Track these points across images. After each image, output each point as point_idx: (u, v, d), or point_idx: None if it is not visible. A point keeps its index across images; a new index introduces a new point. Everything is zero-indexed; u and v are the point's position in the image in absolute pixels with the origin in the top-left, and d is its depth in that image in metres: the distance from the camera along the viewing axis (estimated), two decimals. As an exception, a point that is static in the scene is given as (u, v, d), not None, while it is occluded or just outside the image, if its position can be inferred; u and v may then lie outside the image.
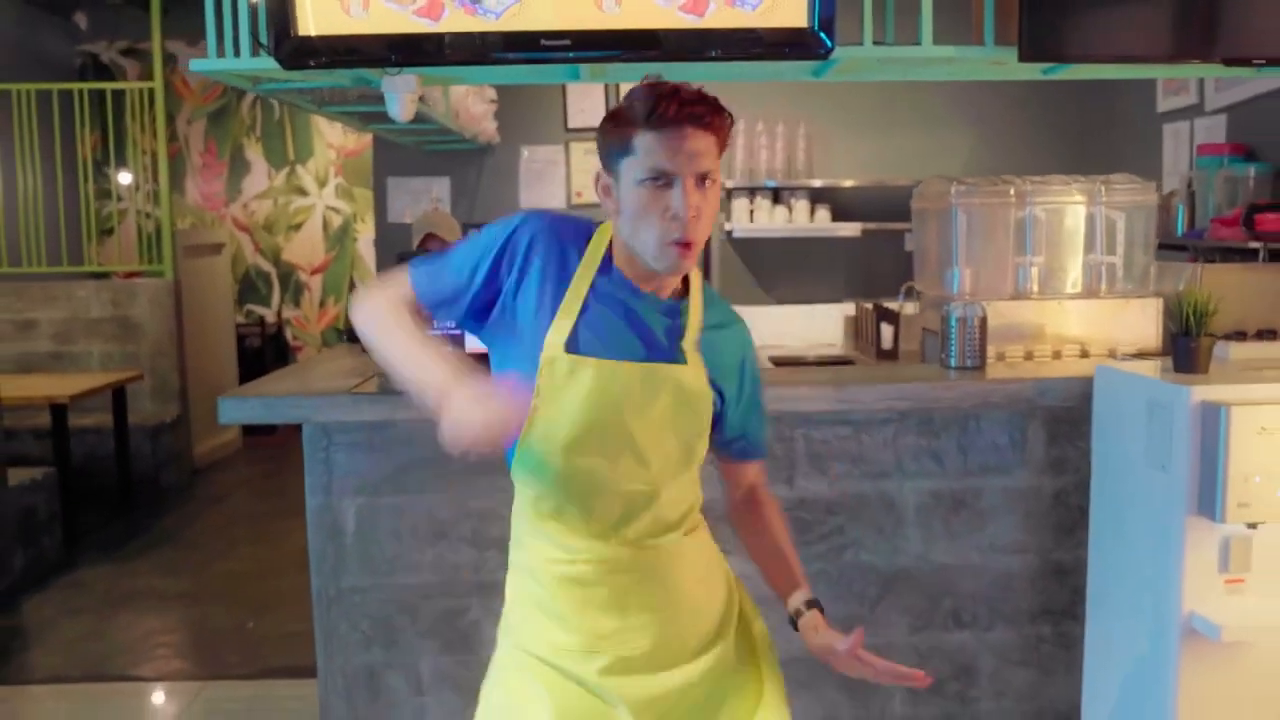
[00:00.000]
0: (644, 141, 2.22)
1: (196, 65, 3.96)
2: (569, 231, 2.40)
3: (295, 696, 4.91)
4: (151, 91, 9.32)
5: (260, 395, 3.75)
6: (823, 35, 3.72)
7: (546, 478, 2.37)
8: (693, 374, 2.38)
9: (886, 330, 5.49)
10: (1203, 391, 3.21)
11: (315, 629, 3.86)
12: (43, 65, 10.65)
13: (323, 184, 11.75)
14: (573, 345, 2.31)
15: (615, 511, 2.39)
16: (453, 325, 2.51)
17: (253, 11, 3.89)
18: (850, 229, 8.20)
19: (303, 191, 11.77)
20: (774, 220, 8.19)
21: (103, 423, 8.51)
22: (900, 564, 3.94)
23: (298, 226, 11.81)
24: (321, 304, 11.83)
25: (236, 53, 3.90)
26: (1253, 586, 3.26)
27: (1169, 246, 6.29)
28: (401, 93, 4.12)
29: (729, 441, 2.58)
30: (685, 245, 2.25)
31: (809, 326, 6.83)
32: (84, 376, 8.46)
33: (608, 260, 2.38)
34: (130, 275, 9.33)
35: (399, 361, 2.28)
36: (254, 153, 11.76)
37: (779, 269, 8.53)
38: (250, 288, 11.81)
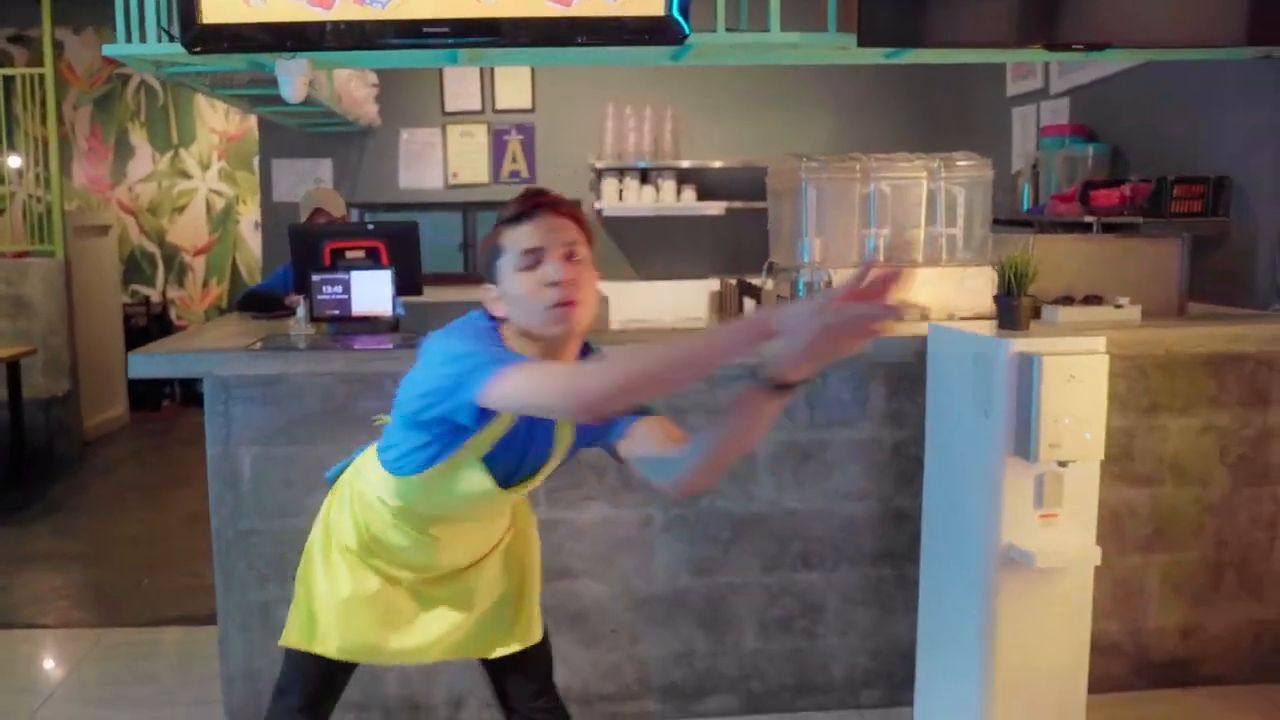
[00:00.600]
0: (511, 235, 2.43)
1: (109, 50, 4.22)
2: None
3: (189, 641, 5.20)
4: (40, 77, 9.28)
5: (166, 351, 4.13)
6: (679, 22, 4.07)
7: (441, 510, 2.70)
8: (560, 449, 2.65)
9: (749, 304, 5.77)
10: (1020, 344, 3.55)
11: (215, 569, 4.15)
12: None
13: (206, 167, 11.81)
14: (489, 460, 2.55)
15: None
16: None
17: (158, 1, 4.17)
18: (715, 208, 8.55)
19: (186, 175, 11.84)
20: (642, 200, 8.52)
21: (-4, 395, 8.56)
22: (753, 510, 4.23)
23: (181, 209, 11.87)
24: (205, 284, 11.90)
25: (143, 39, 4.17)
26: (1064, 520, 3.62)
27: (1015, 222, 6.66)
28: (294, 76, 4.39)
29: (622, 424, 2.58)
30: (568, 304, 2.39)
31: (675, 301, 7.04)
32: (-23, 351, 8.50)
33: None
34: (19, 255, 9.35)
35: (680, 360, 2.14)
36: (138, 137, 11.78)
37: (647, 246, 8.85)
38: (135, 268, 11.84)
